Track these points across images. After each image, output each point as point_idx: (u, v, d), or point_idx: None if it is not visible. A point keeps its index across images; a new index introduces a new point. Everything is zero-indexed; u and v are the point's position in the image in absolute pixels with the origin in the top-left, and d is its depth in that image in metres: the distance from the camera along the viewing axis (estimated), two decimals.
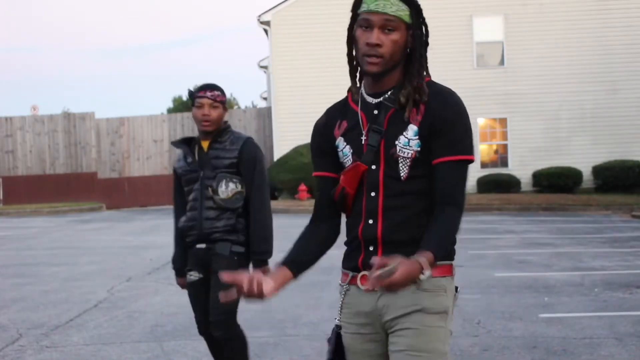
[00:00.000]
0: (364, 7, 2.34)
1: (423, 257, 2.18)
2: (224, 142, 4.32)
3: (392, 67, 2.35)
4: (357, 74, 2.44)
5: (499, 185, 22.79)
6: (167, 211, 23.44)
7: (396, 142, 2.34)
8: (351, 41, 2.43)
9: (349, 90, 2.46)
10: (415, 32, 2.38)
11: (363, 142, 2.37)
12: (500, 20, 23.83)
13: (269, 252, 4.35)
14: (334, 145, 2.45)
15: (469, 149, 2.34)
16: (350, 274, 2.46)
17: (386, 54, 2.32)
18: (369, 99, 2.40)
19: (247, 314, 7.35)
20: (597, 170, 23.01)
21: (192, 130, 25.79)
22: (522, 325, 6.66)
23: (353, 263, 2.45)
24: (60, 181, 25.60)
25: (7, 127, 25.75)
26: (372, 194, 2.37)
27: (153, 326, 6.98)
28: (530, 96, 23.83)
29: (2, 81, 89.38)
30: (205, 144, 4.35)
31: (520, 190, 22.97)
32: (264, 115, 25.81)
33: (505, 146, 24.22)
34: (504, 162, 24.09)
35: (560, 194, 21.83)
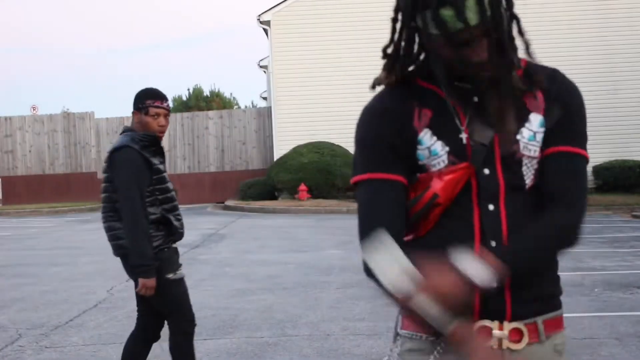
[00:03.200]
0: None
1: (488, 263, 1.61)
2: None
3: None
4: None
5: None
6: None
7: (518, 137, 1.74)
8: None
9: (403, 75, 1.81)
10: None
11: (464, 139, 1.74)
12: None
13: None
14: (413, 141, 1.77)
15: (586, 145, 1.83)
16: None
17: (483, 58, 1.69)
18: (460, 84, 1.75)
19: (246, 314, 7.35)
20: (598, 171, 23.00)
21: (191, 131, 25.80)
22: None
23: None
24: (59, 181, 25.60)
25: (7, 127, 25.75)
26: (490, 207, 1.72)
27: None
28: None
29: (1, 81, 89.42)
30: None
31: None
32: (264, 115, 25.80)
33: None
34: None
35: None
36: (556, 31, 23.79)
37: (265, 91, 35.41)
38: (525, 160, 1.74)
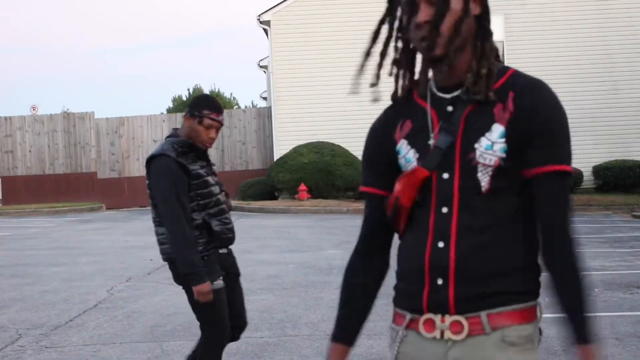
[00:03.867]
0: None
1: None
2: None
3: (460, 48, 1.84)
4: (419, 65, 1.92)
5: None
6: None
7: (476, 145, 1.82)
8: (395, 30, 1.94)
9: (407, 86, 1.95)
10: None
11: (432, 145, 1.86)
12: (500, 20, 23.83)
13: None
14: (393, 152, 1.93)
15: (569, 158, 1.83)
16: (409, 315, 1.89)
17: (444, 29, 1.79)
18: (440, 94, 1.89)
19: (246, 314, 7.34)
20: (598, 170, 23.00)
21: None
22: None
23: (413, 302, 1.87)
24: (59, 181, 25.60)
25: (7, 127, 25.75)
26: (444, 209, 1.83)
27: (153, 326, 6.97)
28: None
29: (1, 81, 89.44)
30: None
31: None
32: (264, 115, 25.80)
33: None
34: None
35: None
36: (556, 31, 23.80)
37: (265, 91, 35.40)
38: (480, 167, 1.82)
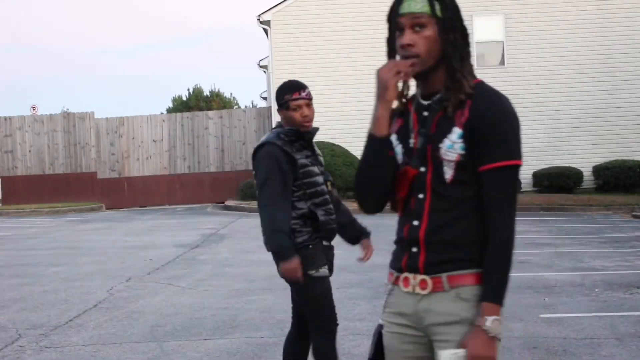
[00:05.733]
0: (394, 13, 2.40)
1: (485, 317, 2.27)
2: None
3: (434, 67, 2.36)
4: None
5: None
6: (166, 211, 23.45)
7: (440, 145, 2.33)
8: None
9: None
10: (447, 25, 2.38)
11: (412, 144, 2.40)
12: (500, 20, 23.83)
13: None
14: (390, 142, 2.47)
15: (515, 153, 2.31)
16: (395, 274, 2.45)
17: (421, 52, 2.33)
18: (422, 101, 2.41)
19: (246, 314, 7.35)
20: (598, 170, 23.00)
21: (191, 131, 25.78)
22: (522, 326, 6.64)
23: (398, 264, 2.44)
24: (59, 181, 25.60)
25: (7, 127, 25.75)
26: (420, 196, 2.38)
27: (153, 326, 6.97)
28: (530, 96, 23.81)
29: (1, 81, 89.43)
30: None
31: (521, 190, 22.98)
32: (264, 115, 25.80)
33: None
34: None
35: (561, 194, 21.83)
36: (556, 31, 23.79)
37: (265, 91, 35.39)
38: (445, 162, 2.33)
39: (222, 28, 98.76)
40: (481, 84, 2.37)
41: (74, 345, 6.36)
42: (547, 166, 23.19)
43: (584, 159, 23.42)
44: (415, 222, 2.37)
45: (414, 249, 2.37)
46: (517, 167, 2.31)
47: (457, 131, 2.31)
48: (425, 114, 2.38)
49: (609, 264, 10.18)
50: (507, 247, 2.30)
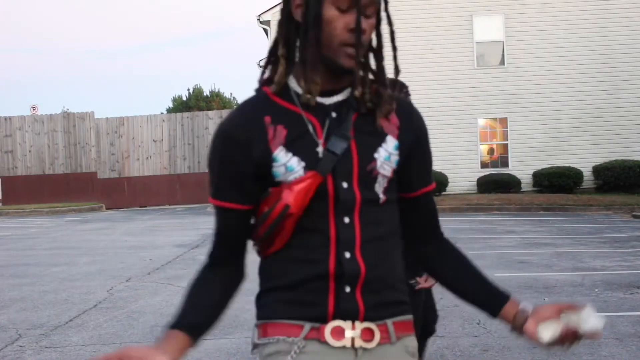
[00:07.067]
0: None
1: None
2: None
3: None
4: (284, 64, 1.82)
5: (499, 185, 22.80)
6: (167, 211, 23.46)
7: (376, 155, 1.80)
8: (291, 21, 1.81)
9: (264, 85, 1.86)
10: (387, 11, 1.82)
11: (321, 153, 1.77)
12: (500, 20, 23.82)
13: None
14: (265, 160, 1.79)
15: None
16: (307, 325, 1.78)
17: (366, 42, 1.77)
18: (320, 99, 1.80)
19: (246, 314, 7.34)
20: (598, 170, 23.00)
21: (191, 131, 25.78)
22: None
23: (313, 310, 1.78)
24: (59, 181, 25.60)
25: (7, 127, 25.75)
26: (346, 219, 1.78)
27: (153, 326, 6.97)
28: (530, 96, 23.82)
29: (1, 81, 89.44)
30: None
31: (521, 190, 22.97)
32: None
33: (505, 146, 24.22)
34: (504, 162, 24.09)
35: (561, 194, 21.83)
36: (556, 31, 23.79)
37: None
38: (379, 178, 1.80)
39: (222, 28, 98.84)
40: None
41: (74, 345, 6.36)
42: (547, 166, 23.19)
43: (584, 159, 23.42)
44: (347, 254, 1.77)
45: (347, 289, 1.76)
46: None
47: (392, 141, 1.82)
48: (334, 114, 1.80)
49: (609, 264, 10.18)
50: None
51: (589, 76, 23.79)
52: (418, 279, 4.15)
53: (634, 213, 18.08)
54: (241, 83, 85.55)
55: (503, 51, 23.97)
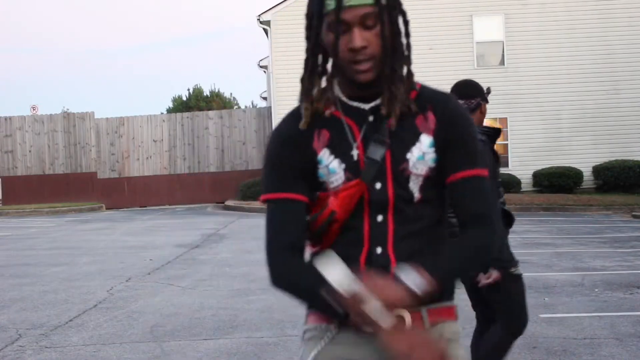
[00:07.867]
0: (330, 5, 1.93)
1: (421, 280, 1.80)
2: None
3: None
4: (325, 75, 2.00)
5: None
6: (167, 211, 23.46)
7: (408, 156, 1.88)
8: (316, 48, 2.04)
9: (307, 97, 1.99)
10: (394, 14, 1.88)
11: (356, 156, 1.89)
12: (500, 20, 23.82)
13: None
14: (312, 161, 1.93)
15: (484, 164, 1.94)
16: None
17: (376, 53, 1.84)
18: (356, 104, 1.92)
19: (246, 314, 7.34)
20: (598, 170, 23.01)
21: (191, 131, 25.78)
22: None
23: None
24: (59, 181, 25.60)
25: (7, 127, 25.75)
26: (379, 218, 1.89)
27: (153, 326, 6.97)
28: (530, 96, 23.83)
29: (1, 81, 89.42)
30: None
31: (521, 190, 22.98)
32: (264, 115, 25.80)
33: (505, 146, 24.22)
34: (504, 162, 24.09)
35: (561, 194, 21.84)
36: (556, 31, 23.79)
37: (265, 91, 35.40)
38: (412, 177, 1.89)
39: (222, 28, 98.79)
40: (425, 86, 1.98)
41: (74, 345, 6.36)
42: (548, 166, 23.20)
43: (584, 159, 23.42)
44: (379, 250, 1.88)
45: None
46: (488, 178, 1.95)
47: (426, 139, 1.89)
48: (371, 118, 1.91)
49: (609, 264, 10.18)
50: (477, 259, 1.90)
51: (590, 76, 23.79)
52: (482, 275, 4.13)
53: (634, 213, 18.08)
54: (241, 83, 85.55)
55: (503, 51, 23.97)
